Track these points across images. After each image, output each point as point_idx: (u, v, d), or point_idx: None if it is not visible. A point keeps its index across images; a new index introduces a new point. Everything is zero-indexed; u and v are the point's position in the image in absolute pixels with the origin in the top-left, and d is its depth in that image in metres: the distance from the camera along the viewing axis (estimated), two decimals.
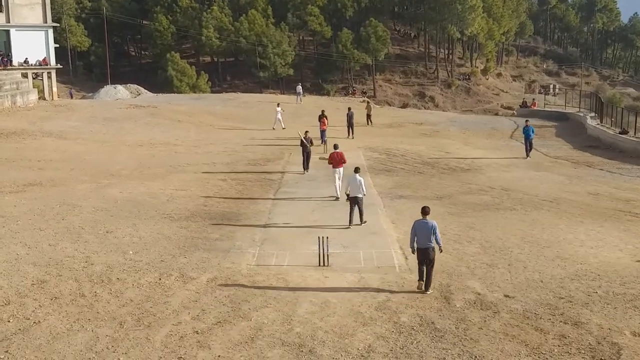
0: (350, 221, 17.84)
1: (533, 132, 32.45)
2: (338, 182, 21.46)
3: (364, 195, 18.06)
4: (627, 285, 13.41)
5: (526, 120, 34.58)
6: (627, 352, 10.34)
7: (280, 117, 40.72)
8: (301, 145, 25.99)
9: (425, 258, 12.89)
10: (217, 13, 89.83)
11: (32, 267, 14.16)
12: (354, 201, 17.80)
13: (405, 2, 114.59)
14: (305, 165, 25.90)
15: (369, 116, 44.23)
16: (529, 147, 32.18)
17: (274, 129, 39.86)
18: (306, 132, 26.25)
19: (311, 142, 25.94)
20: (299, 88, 61.50)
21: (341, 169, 21.66)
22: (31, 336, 10.87)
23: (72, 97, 65.86)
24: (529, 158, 31.67)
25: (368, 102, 52.98)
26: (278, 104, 42.19)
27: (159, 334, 10.97)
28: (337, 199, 21.09)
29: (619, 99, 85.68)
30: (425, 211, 13.28)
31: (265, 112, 50.58)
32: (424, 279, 12.96)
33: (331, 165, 21.91)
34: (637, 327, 11.27)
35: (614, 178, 26.80)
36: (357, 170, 18.30)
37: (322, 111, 35.37)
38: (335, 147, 22.32)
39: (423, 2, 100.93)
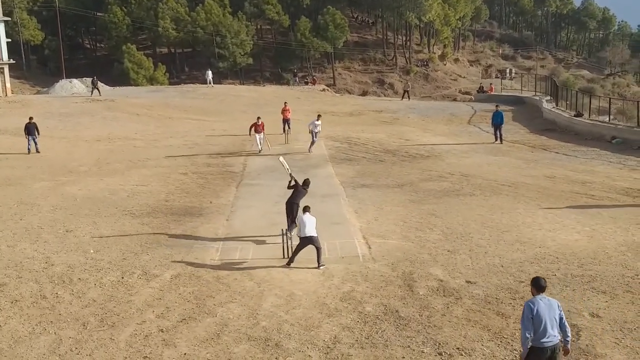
0: (292, 261, 14.18)
1: (502, 119, 32.12)
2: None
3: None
4: (585, 267, 13.74)
5: (496, 106, 34.93)
6: (586, 333, 10.61)
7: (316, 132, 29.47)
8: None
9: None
10: (173, 3, 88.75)
11: None
12: (307, 241, 14.09)
13: None
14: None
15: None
16: (498, 133, 32.20)
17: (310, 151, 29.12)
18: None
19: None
20: (209, 73, 64.60)
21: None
22: None
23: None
24: (497, 142, 31.79)
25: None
26: (318, 116, 30.27)
27: (124, 334, 10.89)
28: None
29: (573, 81, 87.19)
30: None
31: (224, 103, 50.32)
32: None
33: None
34: (595, 309, 11.57)
35: (570, 161, 27.32)
36: (307, 209, 14.61)
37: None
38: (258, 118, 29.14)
39: None
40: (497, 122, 32.24)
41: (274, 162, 26.33)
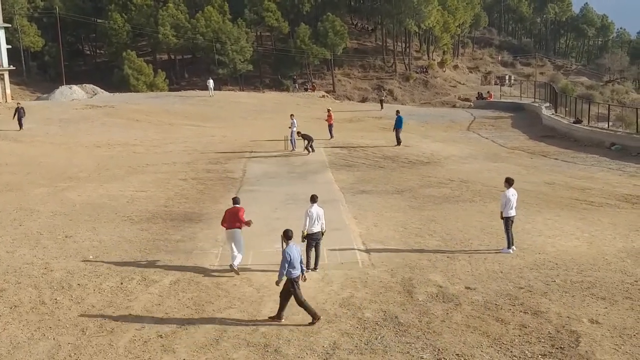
0: (309, 264, 14.05)
1: (401, 123, 33.37)
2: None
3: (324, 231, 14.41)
4: (584, 273, 13.73)
5: (397, 111, 35.78)
6: (586, 339, 10.59)
7: (294, 133, 31.24)
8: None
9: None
10: (173, 10, 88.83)
11: None
12: (313, 239, 14.20)
13: None
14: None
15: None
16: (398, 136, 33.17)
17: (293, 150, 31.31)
18: None
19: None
20: (210, 82, 63.45)
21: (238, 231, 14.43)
22: None
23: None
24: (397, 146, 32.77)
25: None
26: (292, 115, 32.60)
27: (122, 340, 10.87)
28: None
29: (572, 88, 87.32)
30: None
31: (224, 109, 50.36)
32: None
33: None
34: (595, 315, 11.55)
35: (569, 167, 27.36)
36: (314, 199, 14.38)
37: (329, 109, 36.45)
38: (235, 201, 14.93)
39: None
40: (397, 126, 33.26)
41: (275, 168, 26.37)
